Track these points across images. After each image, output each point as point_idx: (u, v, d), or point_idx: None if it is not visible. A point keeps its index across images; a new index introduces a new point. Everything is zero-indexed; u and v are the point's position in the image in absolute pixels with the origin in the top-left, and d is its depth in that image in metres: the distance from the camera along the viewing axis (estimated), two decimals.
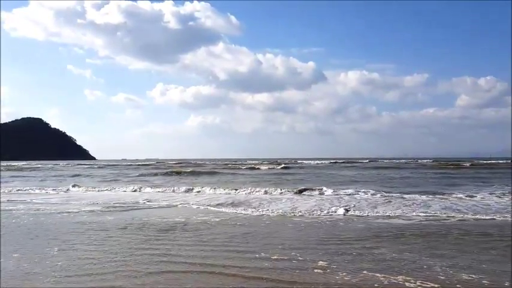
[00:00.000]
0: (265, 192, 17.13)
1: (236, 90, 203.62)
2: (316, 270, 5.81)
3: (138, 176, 33.52)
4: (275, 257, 6.53)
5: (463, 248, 7.19)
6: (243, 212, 12.05)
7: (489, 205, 12.82)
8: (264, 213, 11.75)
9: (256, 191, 17.47)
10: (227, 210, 12.38)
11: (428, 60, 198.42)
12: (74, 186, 22.41)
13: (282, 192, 17.03)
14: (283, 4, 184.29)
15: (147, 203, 14.42)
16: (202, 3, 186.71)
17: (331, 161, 67.69)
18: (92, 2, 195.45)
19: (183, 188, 19.43)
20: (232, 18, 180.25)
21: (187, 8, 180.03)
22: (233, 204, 13.45)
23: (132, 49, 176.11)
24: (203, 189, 18.85)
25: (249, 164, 54.57)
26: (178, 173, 33.89)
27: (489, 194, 15.69)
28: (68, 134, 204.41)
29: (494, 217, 10.62)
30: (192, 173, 34.62)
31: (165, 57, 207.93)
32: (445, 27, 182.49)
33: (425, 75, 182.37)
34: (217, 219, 10.66)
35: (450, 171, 36.65)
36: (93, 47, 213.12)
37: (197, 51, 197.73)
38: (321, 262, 6.19)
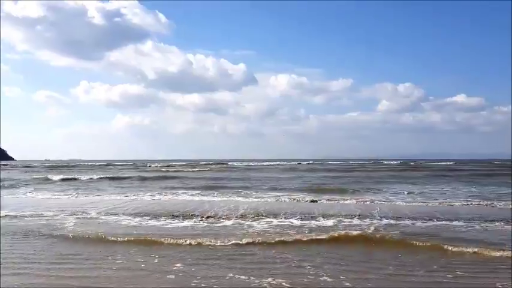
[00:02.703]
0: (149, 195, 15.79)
1: (166, 90, 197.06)
2: (168, 276, 4.82)
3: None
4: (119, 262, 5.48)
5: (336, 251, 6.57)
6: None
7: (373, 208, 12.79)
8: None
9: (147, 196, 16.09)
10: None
11: (353, 66, 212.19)
12: None
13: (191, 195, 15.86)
14: (213, 5, 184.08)
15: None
16: None
17: (272, 162, 64.75)
18: None
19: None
20: (162, 16, 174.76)
21: (112, 4, 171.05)
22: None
23: (54, 44, 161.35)
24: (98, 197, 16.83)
25: (177, 165, 51.95)
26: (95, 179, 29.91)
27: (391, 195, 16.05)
28: None
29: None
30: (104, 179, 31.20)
31: (89, 54, 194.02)
32: (368, 34, 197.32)
33: (349, 81, 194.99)
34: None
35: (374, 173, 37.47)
36: (10, 41, 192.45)
37: (124, 48, 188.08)
38: (178, 264, 5.20)
